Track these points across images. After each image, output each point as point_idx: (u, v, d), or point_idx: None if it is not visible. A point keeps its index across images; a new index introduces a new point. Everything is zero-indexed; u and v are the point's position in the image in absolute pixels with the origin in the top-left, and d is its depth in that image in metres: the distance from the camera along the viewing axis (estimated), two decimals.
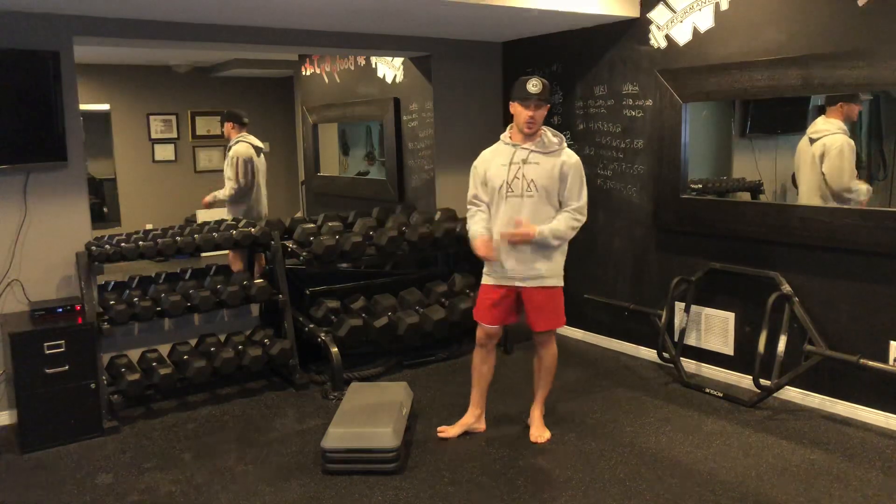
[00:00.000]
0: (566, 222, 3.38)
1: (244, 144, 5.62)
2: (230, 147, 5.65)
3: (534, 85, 3.30)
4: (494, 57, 5.67)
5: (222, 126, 5.76)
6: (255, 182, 5.66)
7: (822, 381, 3.89)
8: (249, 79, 9.15)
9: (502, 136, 3.50)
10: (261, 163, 5.74)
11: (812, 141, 4.08)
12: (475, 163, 3.55)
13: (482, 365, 3.64)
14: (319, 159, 7.39)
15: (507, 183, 3.39)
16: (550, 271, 3.43)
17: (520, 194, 3.37)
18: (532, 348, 3.62)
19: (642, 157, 4.70)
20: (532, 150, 3.39)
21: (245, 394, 4.36)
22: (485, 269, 3.54)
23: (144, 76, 8.57)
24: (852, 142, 4.02)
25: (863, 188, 4.05)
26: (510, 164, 3.39)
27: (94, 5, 3.80)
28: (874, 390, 3.68)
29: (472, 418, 3.69)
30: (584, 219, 3.44)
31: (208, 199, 5.86)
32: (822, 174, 4.01)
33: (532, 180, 3.36)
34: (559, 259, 3.47)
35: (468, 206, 3.56)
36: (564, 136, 5.17)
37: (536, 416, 3.68)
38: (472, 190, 3.54)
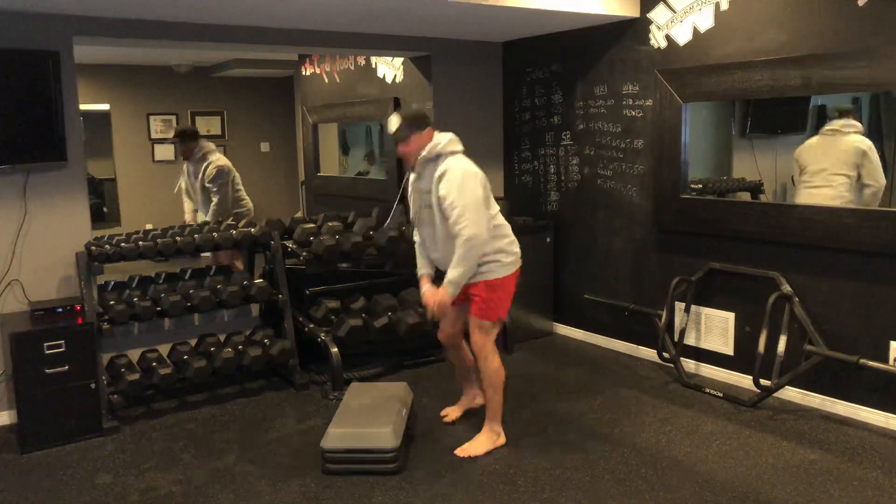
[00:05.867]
0: (456, 260, 3.17)
1: (216, 153, 5.79)
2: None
3: (390, 124, 3.25)
4: (494, 57, 5.67)
5: (190, 142, 5.76)
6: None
7: (822, 381, 3.89)
8: (249, 79, 9.15)
9: None
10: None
11: (833, 135, 4.07)
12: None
13: (456, 359, 3.80)
14: (319, 159, 7.39)
15: (417, 210, 3.40)
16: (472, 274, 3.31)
17: (427, 220, 3.32)
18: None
19: (642, 157, 4.70)
20: (418, 173, 3.32)
21: (245, 394, 4.36)
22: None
23: (144, 76, 8.57)
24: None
25: None
26: (411, 191, 3.42)
27: (94, 5, 3.80)
28: (874, 390, 3.68)
29: (469, 397, 3.90)
30: (468, 234, 3.11)
31: (189, 221, 5.94)
32: (860, 174, 3.98)
33: (429, 205, 3.26)
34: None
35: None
36: (564, 136, 5.24)
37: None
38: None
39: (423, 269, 3.54)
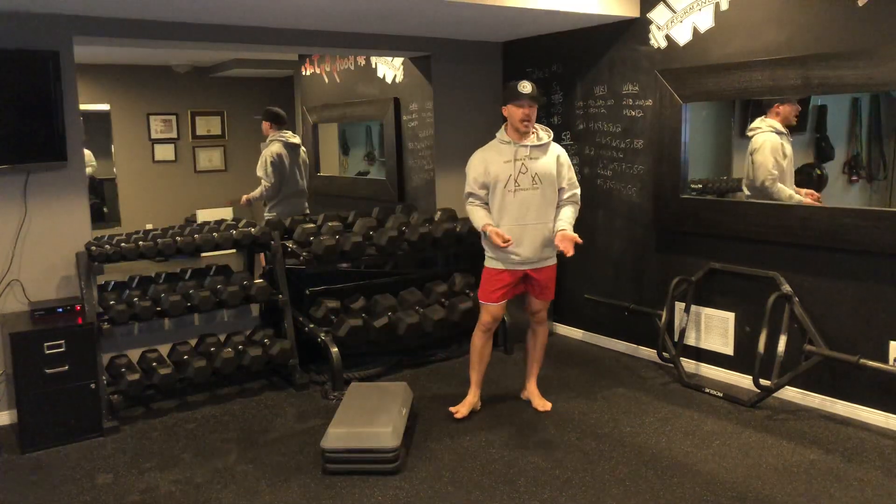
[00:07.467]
0: (574, 210, 3.78)
1: (275, 143, 5.77)
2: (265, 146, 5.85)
3: (524, 86, 3.62)
4: (494, 57, 5.66)
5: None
6: (285, 180, 5.79)
7: (822, 381, 3.89)
8: (249, 79, 9.15)
9: (498, 135, 3.77)
10: (296, 160, 5.91)
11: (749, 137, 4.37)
12: (473, 161, 3.78)
13: (484, 349, 3.91)
14: (319, 159, 7.39)
15: (514, 178, 3.65)
16: (552, 252, 3.81)
17: (528, 187, 3.67)
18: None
19: (642, 157, 4.70)
20: (532, 147, 3.69)
21: (245, 394, 4.36)
22: (494, 255, 3.77)
23: (144, 76, 8.57)
24: (778, 141, 4.18)
25: (784, 193, 4.13)
26: (514, 160, 3.67)
27: (94, 5, 3.80)
28: (874, 390, 3.68)
29: (475, 398, 3.95)
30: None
31: (243, 200, 6.04)
32: (748, 167, 4.34)
33: (537, 173, 3.67)
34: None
35: (469, 201, 3.77)
36: (564, 136, 5.24)
37: (535, 389, 4.04)
38: (471, 187, 3.75)
39: (488, 219, 3.71)
